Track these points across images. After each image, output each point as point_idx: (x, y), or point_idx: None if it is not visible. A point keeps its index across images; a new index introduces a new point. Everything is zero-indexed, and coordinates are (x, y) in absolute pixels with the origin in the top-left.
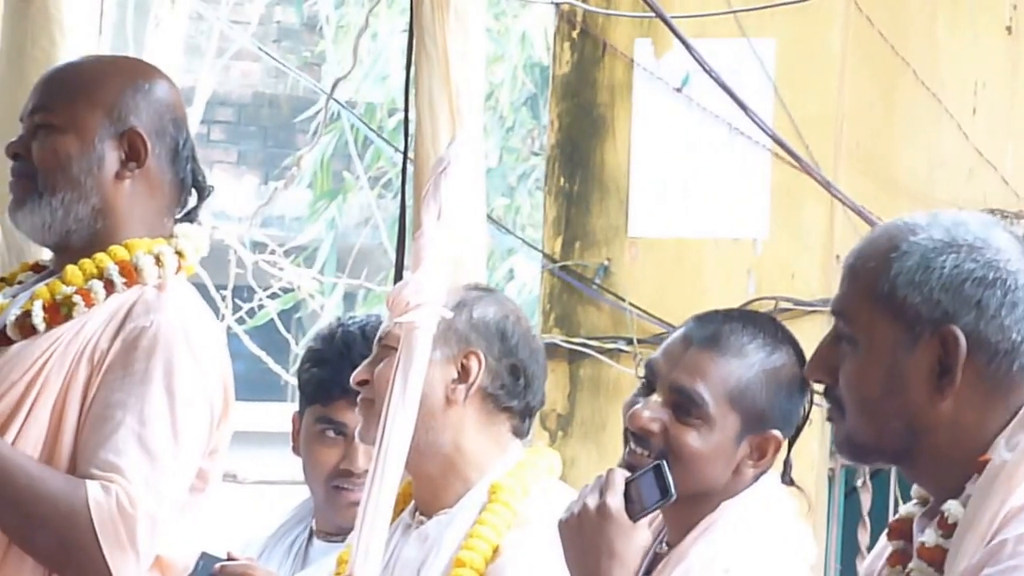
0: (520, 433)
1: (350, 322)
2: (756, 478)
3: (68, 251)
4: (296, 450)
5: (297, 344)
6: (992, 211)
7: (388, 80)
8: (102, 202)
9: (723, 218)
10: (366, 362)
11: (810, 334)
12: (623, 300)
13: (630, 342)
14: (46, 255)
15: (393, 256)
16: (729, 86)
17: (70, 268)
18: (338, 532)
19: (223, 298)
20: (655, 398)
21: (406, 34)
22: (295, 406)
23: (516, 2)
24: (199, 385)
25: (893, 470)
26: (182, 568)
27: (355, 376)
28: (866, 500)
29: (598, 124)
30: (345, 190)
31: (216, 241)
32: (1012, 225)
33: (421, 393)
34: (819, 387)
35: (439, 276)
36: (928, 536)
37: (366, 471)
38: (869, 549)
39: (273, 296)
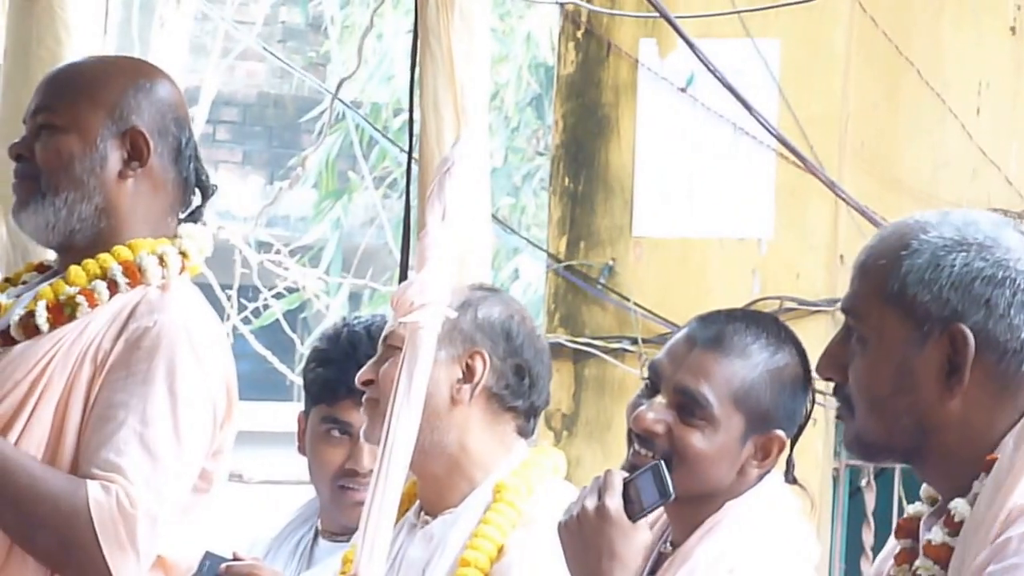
0: (525, 433)
1: (355, 322)
2: (760, 478)
3: (72, 251)
4: (301, 450)
5: (302, 344)
6: (996, 211)
7: (393, 80)
8: (105, 202)
9: (727, 218)
10: (371, 362)
11: (814, 334)
12: (628, 300)
13: (635, 342)
14: (51, 255)
15: (398, 256)
16: (733, 86)
17: (74, 268)
18: (343, 532)
19: (228, 298)
20: (659, 399)
21: (411, 34)
22: (300, 406)
23: (521, 2)
24: (202, 386)
25: (898, 470)
26: (185, 569)
27: (360, 376)
28: (870, 500)
29: (603, 124)
30: (350, 190)
31: (221, 241)
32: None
33: (426, 393)
34: (824, 386)
35: (444, 276)
36: (935, 534)
37: (371, 471)
38: (873, 549)
39: (278, 296)
